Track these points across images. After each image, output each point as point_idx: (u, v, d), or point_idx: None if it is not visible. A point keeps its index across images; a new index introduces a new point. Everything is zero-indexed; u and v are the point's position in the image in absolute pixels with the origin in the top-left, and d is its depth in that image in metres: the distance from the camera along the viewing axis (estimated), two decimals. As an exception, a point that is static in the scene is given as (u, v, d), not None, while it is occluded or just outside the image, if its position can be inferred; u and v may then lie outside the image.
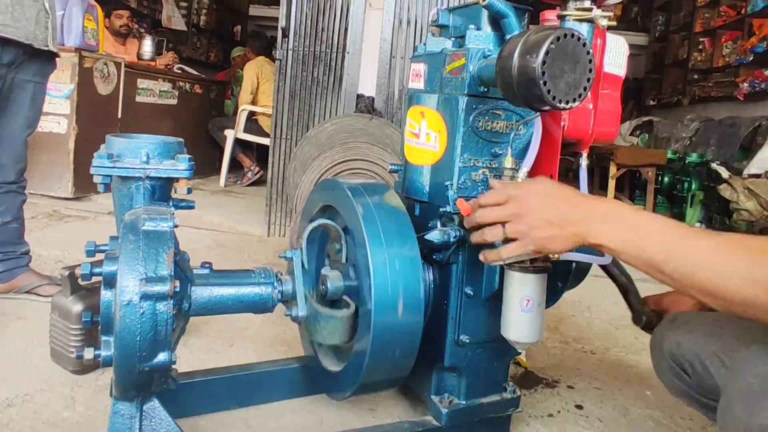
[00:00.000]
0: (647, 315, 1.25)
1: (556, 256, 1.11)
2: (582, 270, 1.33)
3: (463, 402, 1.28)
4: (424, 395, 1.34)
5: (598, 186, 5.86)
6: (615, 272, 1.29)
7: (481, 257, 1.03)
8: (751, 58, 5.31)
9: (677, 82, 7.02)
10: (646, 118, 6.64)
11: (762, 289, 0.70)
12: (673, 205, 4.97)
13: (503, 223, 0.94)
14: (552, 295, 1.27)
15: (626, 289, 1.29)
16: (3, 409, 1.31)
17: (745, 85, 5.29)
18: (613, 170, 5.12)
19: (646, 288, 1.27)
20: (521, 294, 1.07)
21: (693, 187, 4.60)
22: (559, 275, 1.27)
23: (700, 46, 6.47)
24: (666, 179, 5.03)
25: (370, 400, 1.48)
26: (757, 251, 0.73)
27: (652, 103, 7.52)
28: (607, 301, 2.48)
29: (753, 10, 5.42)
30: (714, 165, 4.44)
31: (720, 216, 4.32)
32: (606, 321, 2.27)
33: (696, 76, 6.49)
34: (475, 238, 1.01)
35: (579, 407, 1.57)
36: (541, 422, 1.47)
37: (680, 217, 4.63)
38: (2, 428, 1.24)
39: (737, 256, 0.74)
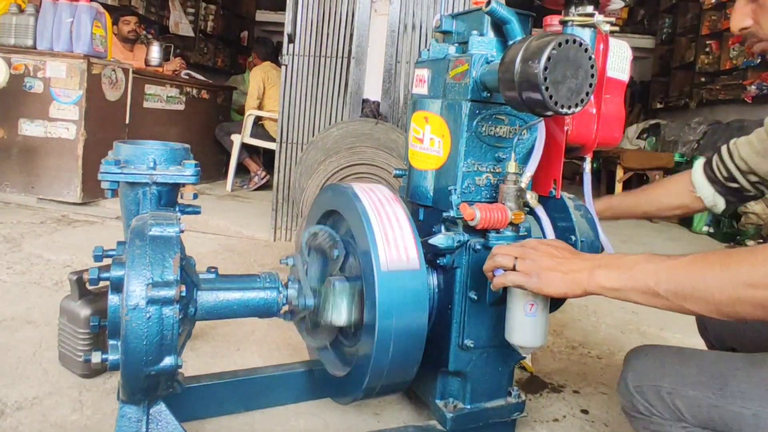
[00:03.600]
0: None
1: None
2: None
3: (468, 406, 1.28)
4: (428, 400, 1.34)
5: (605, 190, 5.85)
6: None
7: (492, 287, 1.07)
8: (758, 61, 5.29)
9: (684, 85, 7.00)
10: (653, 122, 6.62)
11: (742, 285, 0.78)
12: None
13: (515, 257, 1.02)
14: (557, 300, 1.27)
15: None
16: (12, 412, 1.32)
17: (753, 87, 5.27)
18: (620, 174, 5.10)
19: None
20: (525, 298, 1.07)
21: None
22: (563, 279, 1.26)
23: (707, 49, 6.44)
24: (673, 183, 5.00)
25: (375, 405, 1.48)
26: (724, 256, 0.82)
27: (659, 106, 7.49)
28: (613, 306, 2.47)
29: (760, 12, 5.38)
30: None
31: (728, 219, 4.30)
32: (612, 325, 2.26)
33: (703, 79, 6.46)
34: (495, 281, 1.05)
35: (585, 412, 1.57)
36: (546, 427, 1.47)
37: (688, 220, 4.61)
38: (11, 431, 1.25)
39: (710, 263, 0.83)
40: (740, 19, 1.06)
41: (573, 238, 1.26)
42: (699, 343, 2.00)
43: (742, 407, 0.84)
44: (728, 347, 1.21)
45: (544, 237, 1.24)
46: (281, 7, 3.87)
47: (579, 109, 0.97)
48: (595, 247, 1.29)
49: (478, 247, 1.19)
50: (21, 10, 3.49)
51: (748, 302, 0.78)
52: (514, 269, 1.01)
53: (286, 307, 1.25)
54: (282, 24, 3.26)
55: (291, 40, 3.04)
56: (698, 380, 0.90)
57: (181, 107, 4.63)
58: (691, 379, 0.91)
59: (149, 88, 4.18)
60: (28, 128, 3.47)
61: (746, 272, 0.78)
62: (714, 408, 0.86)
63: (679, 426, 0.92)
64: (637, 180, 5.46)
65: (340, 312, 1.18)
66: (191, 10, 7.27)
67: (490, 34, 1.21)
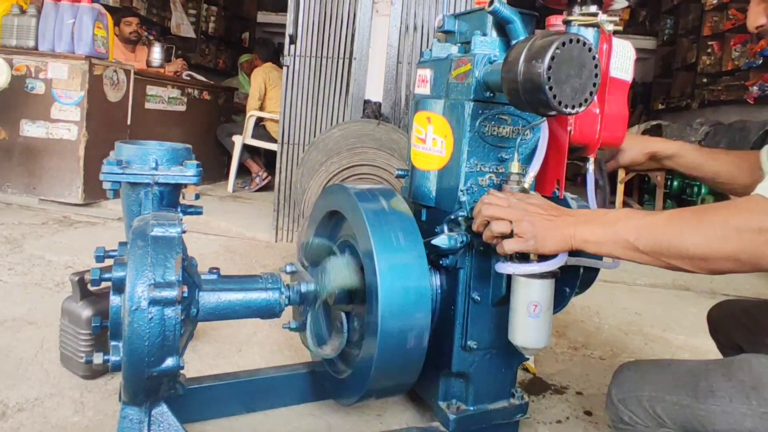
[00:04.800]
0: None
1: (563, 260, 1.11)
2: (590, 275, 1.32)
3: (471, 408, 1.27)
4: (431, 401, 1.34)
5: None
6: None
7: (484, 238, 1.07)
8: (760, 62, 5.28)
9: (686, 86, 6.99)
10: (654, 122, 6.60)
11: (714, 239, 0.81)
12: (682, 210, 4.94)
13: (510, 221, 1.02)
14: (560, 301, 1.27)
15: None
16: (13, 413, 1.32)
17: (755, 88, 5.25)
18: (621, 174, 5.09)
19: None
20: (528, 299, 1.06)
21: (703, 191, 4.57)
22: (566, 280, 1.26)
23: (709, 50, 6.43)
24: (675, 183, 5.00)
25: (378, 406, 1.48)
26: (700, 212, 0.86)
27: (661, 107, 7.48)
28: (616, 307, 2.46)
29: (762, 13, 5.38)
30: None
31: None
32: (615, 326, 2.25)
33: (705, 80, 6.45)
34: (486, 234, 1.05)
35: (588, 413, 1.56)
36: (549, 429, 1.47)
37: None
38: (12, 433, 1.25)
39: (686, 219, 0.86)
40: (755, 18, 1.09)
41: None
42: (702, 344, 2.00)
43: (714, 405, 0.86)
44: (736, 346, 1.21)
45: None
46: (282, 9, 3.87)
47: (583, 108, 0.96)
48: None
49: (481, 247, 1.18)
50: (23, 11, 3.49)
51: (720, 256, 0.81)
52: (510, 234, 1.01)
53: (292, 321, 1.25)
54: (283, 25, 3.26)
55: (292, 41, 3.04)
56: (674, 384, 0.92)
57: (183, 108, 4.63)
58: (668, 384, 0.93)
59: (151, 89, 4.18)
60: (30, 129, 3.47)
61: (719, 227, 0.81)
62: (689, 409, 0.89)
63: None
64: (638, 181, 5.45)
65: (338, 276, 1.19)
66: (193, 12, 7.27)
67: (493, 34, 1.21)
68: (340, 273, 1.21)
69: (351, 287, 1.20)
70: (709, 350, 1.98)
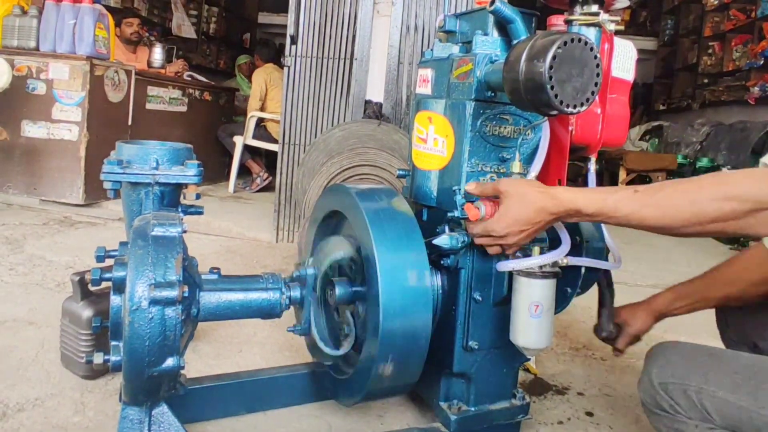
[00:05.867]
0: (610, 331, 1.34)
1: (565, 261, 1.10)
2: (591, 275, 1.32)
3: (472, 409, 1.27)
4: (432, 402, 1.33)
5: (607, 191, 5.82)
6: (604, 284, 1.34)
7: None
8: (761, 62, 5.28)
9: (687, 87, 6.98)
10: (655, 123, 6.61)
11: (703, 202, 0.87)
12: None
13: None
14: (561, 301, 1.26)
15: (604, 302, 1.34)
16: (14, 413, 1.32)
17: (756, 89, 5.25)
18: (622, 175, 5.09)
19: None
20: (530, 300, 1.06)
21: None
22: (568, 281, 1.26)
23: (710, 50, 6.43)
24: (676, 185, 4.99)
25: (379, 407, 1.48)
26: (687, 184, 0.92)
27: (661, 107, 7.48)
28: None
29: (763, 13, 5.38)
30: (725, 170, 4.41)
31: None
32: (616, 327, 2.24)
33: (706, 81, 6.45)
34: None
35: (589, 414, 1.56)
36: (551, 429, 1.46)
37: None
38: (13, 433, 1.25)
39: (671, 189, 0.92)
40: None
41: (578, 238, 1.26)
42: (704, 344, 1.99)
43: None
44: (750, 342, 1.18)
45: (546, 240, 1.23)
46: (283, 9, 3.87)
47: (584, 108, 0.96)
48: (600, 249, 1.29)
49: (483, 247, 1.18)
50: (24, 12, 3.49)
51: (700, 221, 0.87)
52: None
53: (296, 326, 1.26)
54: (284, 26, 3.26)
55: (293, 41, 3.04)
56: (730, 382, 0.88)
57: (184, 109, 4.63)
58: (722, 379, 0.89)
59: (152, 90, 4.18)
60: (31, 130, 3.47)
61: (706, 195, 0.87)
62: (746, 411, 0.85)
63: (705, 426, 0.90)
64: (639, 181, 5.44)
65: (333, 249, 1.21)
66: (194, 12, 7.28)
67: (494, 34, 1.20)
68: (334, 246, 1.22)
69: (346, 257, 1.21)
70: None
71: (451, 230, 1.21)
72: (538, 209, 1.00)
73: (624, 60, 1.20)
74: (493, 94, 1.17)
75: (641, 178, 5.29)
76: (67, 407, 1.36)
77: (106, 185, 1.17)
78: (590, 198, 0.97)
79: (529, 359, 1.50)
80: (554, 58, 0.91)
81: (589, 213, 0.97)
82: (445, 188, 1.25)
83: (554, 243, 1.15)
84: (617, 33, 1.16)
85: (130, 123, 3.87)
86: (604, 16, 1.10)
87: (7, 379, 1.45)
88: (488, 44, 1.19)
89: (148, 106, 4.15)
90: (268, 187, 4.79)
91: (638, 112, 7.67)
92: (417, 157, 1.33)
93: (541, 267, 1.07)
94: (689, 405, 0.91)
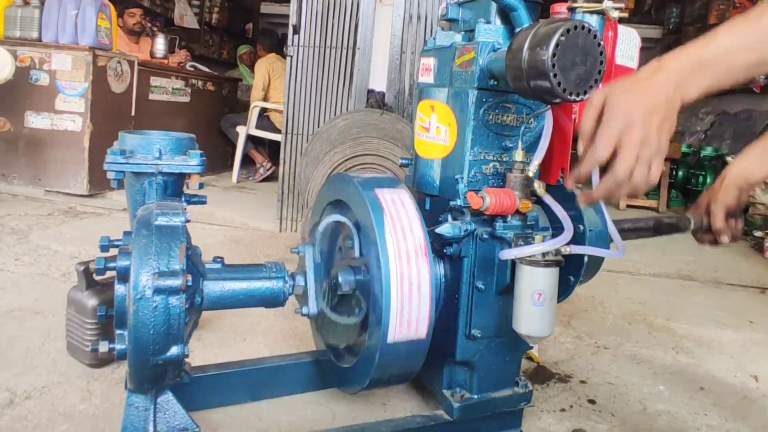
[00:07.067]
0: (687, 220, 1.21)
1: (568, 249, 1.10)
2: (594, 264, 1.32)
3: (475, 396, 1.28)
4: (435, 389, 1.34)
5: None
6: (640, 225, 1.27)
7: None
8: (767, 50, 5.22)
9: (692, 75, 6.92)
10: (660, 112, 6.55)
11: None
12: (687, 200, 4.91)
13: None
14: (564, 290, 1.27)
15: (658, 224, 1.26)
16: (21, 401, 1.33)
17: (761, 77, 5.21)
18: (626, 165, 5.05)
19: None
20: (533, 288, 1.06)
21: (708, 181, 4.54)
22: (571, 269, 1.26)
23: (716, 39, 6.37)
24: (681, 173, 4.98)
25: (382, 395, 1.49)
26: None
27: (666, 96, 7.42)
28: (620, 296, 2.46)
29: (770, 0, 5.32)
30: (729, 159, 4.39)
31: (736, 210, 4.26)
32: (619, 316, 2.25)
33: (711, 69, 6.39)
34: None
35: (592, 402, 1.56)
36: (553, 417, 1.47)
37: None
38: (20, 420, 1.26)
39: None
40: None
41: (581, 227, 1.26)
42: (705, 333, 1.99)
43: None
44: None
45: (549, 228, 1.23)
46: (286, -1, 3.86)
47: (588, 96, 0.96)
48: (603, 237, 1.28)
49: (485, 236, 1.18)
50: (26, 3, 3.48)
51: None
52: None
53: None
54: (287, 16, 3.24)
55: (296, 31, 3.03)
56: None
57: (187, 99, 4.62)
58: None
59: (155, 80, 4.18)
60: (35, 121, 3.48)
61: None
62: None
63: None
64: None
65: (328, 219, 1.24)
66: (196, 3, 7.25)
67: (497, 22, 1.20)
68: (329, 218, 1.25)
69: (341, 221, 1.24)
70: (713, 339, 1.99)
71: (454, 219, 1.21)
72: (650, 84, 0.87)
73: (628, 48, 1.19)
74: (495, 83, 1.17)
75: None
76: (74, 395, 1.38)
77: (110, 175, 1.18)
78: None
79: (531, 347, 1.50)
80: (557, 45, 0.90)
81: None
82: (447, 177, 1.25)
83: (557, 232, 1.15)
84: (621, 21, 1.15)
85: (133, 113, 3.87)
86: (607, 4, 1.10)
87: (14, 367, 1.47)
88: (491, 32, 1.19)
89: (151, 96, 4.15)
90: (271, 177, 4.79)
91: (643, 101, 7.61)
92: (419, 146, 1.33)
93: (543, 255, 1.07)
94: None
